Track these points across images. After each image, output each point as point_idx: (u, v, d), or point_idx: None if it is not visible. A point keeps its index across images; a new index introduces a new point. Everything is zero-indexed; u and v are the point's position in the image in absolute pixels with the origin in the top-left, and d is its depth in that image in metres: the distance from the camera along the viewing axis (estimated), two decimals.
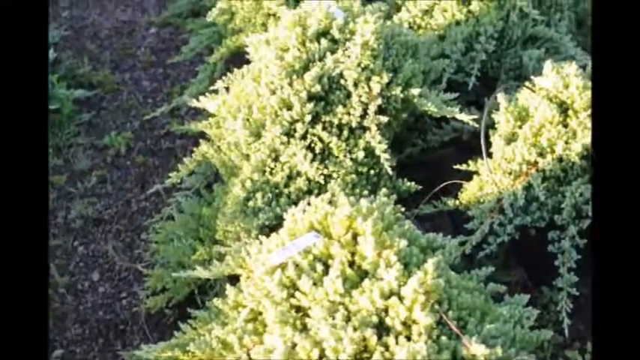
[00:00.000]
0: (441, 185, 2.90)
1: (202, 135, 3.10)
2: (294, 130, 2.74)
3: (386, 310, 1.95)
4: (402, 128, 3.07)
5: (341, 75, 2.76)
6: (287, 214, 2.28)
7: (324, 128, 2.77)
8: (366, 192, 2.76)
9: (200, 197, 3.12)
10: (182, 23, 4.68)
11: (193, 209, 3.03)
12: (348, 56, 2.76)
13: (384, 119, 2.77)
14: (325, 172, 2.77)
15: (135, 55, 4.53)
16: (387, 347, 1.89)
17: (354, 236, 2.09)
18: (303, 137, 2.76)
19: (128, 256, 3.31)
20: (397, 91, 2.79)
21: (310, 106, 2.71)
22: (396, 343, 1.89)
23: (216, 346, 2.10)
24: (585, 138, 2.68)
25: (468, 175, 2.96)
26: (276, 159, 2.77)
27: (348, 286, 2.00)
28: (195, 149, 3.01)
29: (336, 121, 2.77)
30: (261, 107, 2.76)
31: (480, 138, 2.81)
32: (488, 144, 2.88)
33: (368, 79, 2.76)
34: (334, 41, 2.83)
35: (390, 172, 2.79)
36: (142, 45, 4.63)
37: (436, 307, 1.97)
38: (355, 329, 1.89)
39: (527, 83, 2.92)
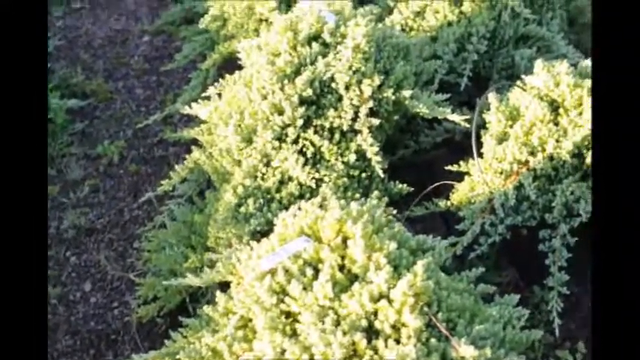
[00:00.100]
0: (431, 187, 2.89)
1: (195, 142, 3.09)
2: (286, 135, 2.73)
3: (375, 314, 1.94)
4: (394, 130, 3.05)
5: (332, 78, 2.74)
6: (277, 219, 2.27)
7: (315, 132, 2.76)
8: (357, 195, 2.75)
9: (192, 204, 3.10)
10: (175, 31, 4.68)
11: (185, 217, 3.01)
12: (340, 59, 2.75)
13: (376, 122, 2.76)
14: (317, 176, 2.75)
15: (128, 64, 4.53)
16: (376, 351, 1.88)
17: (344, 240, 2.08)
18: (295, 142, 2.75)
19: (120, 266, 3.29)
20: (389, 93, 2.78)
21: (302, 110, 2.70)
22: (386, 346, 1.87)
23: (206, 354, 2.09)
24: (576, 136, 2.67)
25: (460, 176, 2.95)
26: (267, 164, 2.76)
27: (338, 290, 1.99)
28: (187, 156, 2.99)
29: (327, 125, 2.76)
30: (252, 113, 2.75)
31: (471, 138, 2.80)
32: (480, 144, 2.87)
33: (359, 82, 2.74)
34: (325, 45, 2.82)
35: (382, 175, 2.78)
36: (136, 53, 4.62)
37: (425, 309, 1.96)
38: (345, 333, 1.88)
39: (518, 82, 2.91)
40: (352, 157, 2.78)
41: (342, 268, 2.04)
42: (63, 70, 4.42)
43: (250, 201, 2.73)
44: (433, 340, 1.91)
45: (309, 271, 2.04)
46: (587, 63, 2.87)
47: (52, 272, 3.29)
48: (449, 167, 2.98)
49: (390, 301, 1.93)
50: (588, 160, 2.70)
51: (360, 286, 1.96)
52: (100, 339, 3.02)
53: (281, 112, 2.70)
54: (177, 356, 2.14)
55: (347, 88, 2.73)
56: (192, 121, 3.62)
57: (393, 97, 2.80)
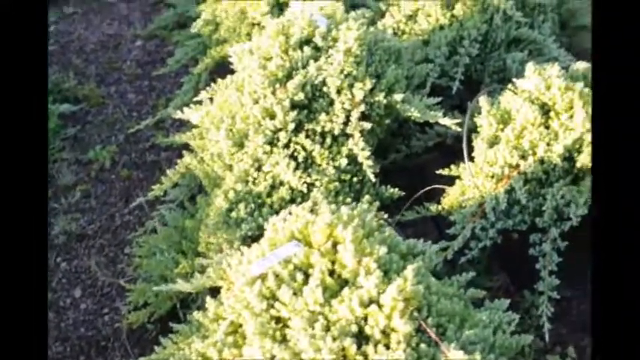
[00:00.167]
0: (422, 191, 2.88)
1: (187, 147, 3.08)
2: (277, 139, 2.72)
3: (365, 319, 1.93)
4: (386, 134, 3.05)
5: (324, 82, 2.74)
6: (268, 224, 2.26)
7: (307, 136, 2.75)
8: (349, 199, 2.74)
9: (184, 209, 3.09)
10: (168, 35, 4.68)
11: (176, 222, 3.00)
12: (331, 63, 2.75)
13: (367, 126, 2.75)
14: (308, 180, 2.75)
15: (120, 69, 4.52)
16: (366, 356, 1.87)
17: (335, 244, 2.07)
18: (286, 146, 2.74)
19: (111, 271, 3.27)
20: (380, 97, 2.78)
21: (293, 114, 2.69)
22: (375, 351, 1.87)
23: None
24: (567, 139, 2.66)
25: (452, 180, 2.94)
26: (259, 169, 2.76)
27: (328, 295, 1.98)
28: (179, 161, 2.98)
29: (319, 129, 2.75)
30: (244, 117, 2.74)
31: (463, 142, 2.80)
32: (471, 148, 2.86)
33: (351, 86, 2.74)
34: (317, 49, 2.82)
35: (373, 179, 2.77)
36: (128, 58, 4.62)
37: (415, 314, 1.95)
38: (334, 339, 1.87)
39: (509, 86, 2.90)
40: (344, 162, 2.77)
41: (332, 273, 2.03)
42: (55, 75, 4.40)
43: (241, 206, 2.72)
44: (423, 346, 1.90)
45: (300, 276, 2.03)
46: (579, 66, 2.87)
47: None
48: (440, 171, 2.97)
49: (379, 306, 1.92)
50: (579, 163, 2.70)
51: (350, 291, 1.95)
52: (90, 345, 3.00)
53: (272, 117, 2.70)
54: None
55: (338, 92, 2.73)
56: (184, 125, 3.62)
57: (385, 101, 2.80)
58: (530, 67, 2.86)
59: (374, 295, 1.94)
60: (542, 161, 2.71)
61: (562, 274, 2.68)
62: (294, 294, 2.00)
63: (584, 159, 2.68)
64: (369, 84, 2.75)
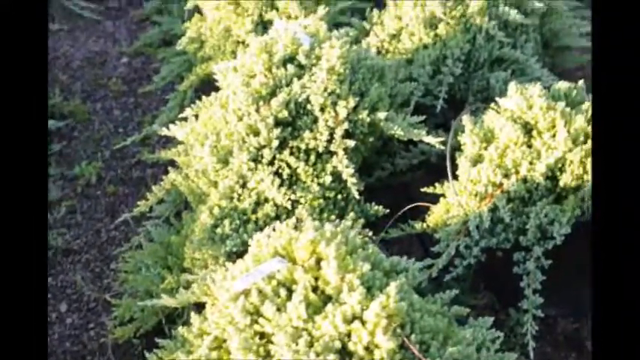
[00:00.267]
0: (405, 208, 2.90)
1: (173, 163, 3.09)
2: (262, 156, 2.73)
3: (349, 335, 1.94)
4: (371, 152, 3.07)
5: (307, 100, 2.76)
6: (252, 240, 2.27)
7: (291, 153, 2.77)
8: (333, 217, 2.76)
9: (169, 225, 3.10)
10: (154, 52, 4.69)
11: (162, 238, 3.01)
12: (314, 81, 2.77)
13: (351, 143, 2.77)
14: (293, 197, 2.76)
15: (106, 85, 4.52)
16: None
17: (318, 261, 2.08)
18: (271, 163, 2.75)
19: (97, 286, 3.27)
20: (364, 115, 2.80)
21: (277, 131, 2.71)
22: None
23: None
24: (549, 158, 2.68)
25: (436, 198, 2.96)
26: (243, 185, 2.77)
27: (312, 311, 1.99)
28: (164, 177, 2.99)
29: (303, 146, 2.77)
30: (228, 134, 2.76)
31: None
32: (455, 166, 2.88)
33: (334, 104, 2.76)
34: (301, 67, 2.83)
35: (358, 197, 2.79)
36: (114, 75, 4.62)
37: (398, 330, 1.97)
38: (318, 355, 1.88)
39: (492, 105, 2.93)
40: (328, 179, 2.79)
41: (315, 289, 2.05)
42: None
43: (226, 222, 2.73)
44: None
45: (283, 292, 2.04)
46: (561, 85, 2.90)
47: None
48: (425, 189, 2.99)
49: (363, 323, 1.94)
50: (562, 182, 2.72)
51: (333, 307, 1.97)
52: None
53: (257, 134, 2.71)
54: None
55: (322, 109, 2.75)
56: (169, 142, 3.63)
57: (368, 119, 2.81)
58: (512, 86, 2.88)
59: (357, 311, 1.95)
60: (525, 180, 2.72)
61: (546, 292, 2.70)
62: (278, 310, 2.01)
63: (566, 178, 2.71)
64: (352, 102, 2.76)
